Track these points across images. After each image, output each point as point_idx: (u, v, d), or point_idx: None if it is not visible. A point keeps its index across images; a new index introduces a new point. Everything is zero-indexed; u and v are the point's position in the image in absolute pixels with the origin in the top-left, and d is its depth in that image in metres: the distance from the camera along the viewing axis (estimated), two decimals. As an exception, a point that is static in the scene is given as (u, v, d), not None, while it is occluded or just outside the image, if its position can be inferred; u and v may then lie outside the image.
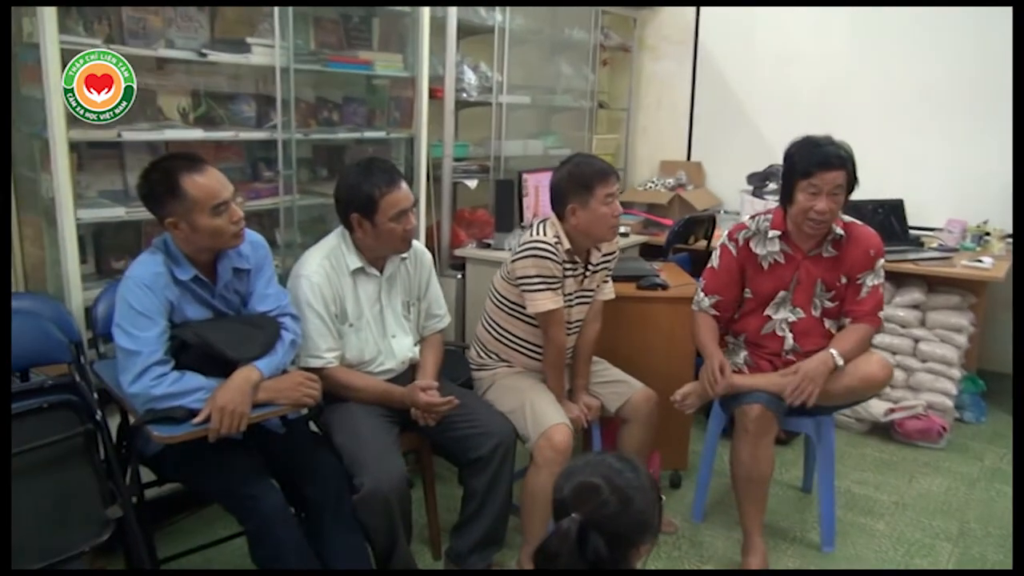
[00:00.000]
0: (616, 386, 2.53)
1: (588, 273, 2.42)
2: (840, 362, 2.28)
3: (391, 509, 1.97)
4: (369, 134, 3.21)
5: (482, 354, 2.49)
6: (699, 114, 4.79)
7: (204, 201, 1.79)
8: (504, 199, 3.53)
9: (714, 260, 2.51)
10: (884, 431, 3.39)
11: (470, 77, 3.67)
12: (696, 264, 3.61)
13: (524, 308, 2.35)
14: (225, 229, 1.83)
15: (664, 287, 2.83)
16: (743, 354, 2.50)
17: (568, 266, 2.33)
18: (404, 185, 2.13)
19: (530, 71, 4.20)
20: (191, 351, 1.78)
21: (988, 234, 3.74)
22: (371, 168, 2.12)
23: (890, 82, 4.08)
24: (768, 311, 2.44)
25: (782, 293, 2.42)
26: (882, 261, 2.41)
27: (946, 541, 2.57)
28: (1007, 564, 2.43)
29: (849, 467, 3.10)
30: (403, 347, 2.27)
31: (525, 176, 3.58)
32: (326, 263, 2.15)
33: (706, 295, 2.50)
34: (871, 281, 2.38)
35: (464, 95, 3.61)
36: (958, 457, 3.21)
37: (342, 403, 2.12)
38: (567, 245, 2.31)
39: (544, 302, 2.27)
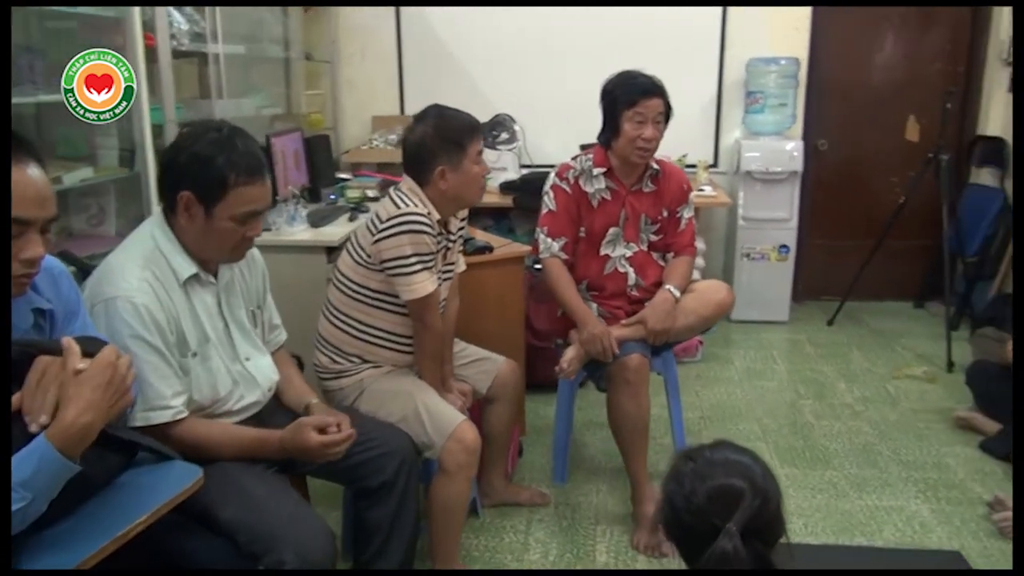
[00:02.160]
0: (481, 364, 2.29)
1: (450, 245, 2.12)
2: (678, 295, 2.37)
3: (325, 582, 1.51)
4: (76, 96, 2.37)
5: (339, 359, 2.03)
6: (408, 65, 4.54)
7: None
8: (254, 170, 2.92)
9: (549, 203, 2.43)
10: (653, 355, 3.68)
11: (178, 21, 2.93)
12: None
13: (393, 296, 1.96)
14: None
15: (489, 249, 2.63)
16: (594, 307, 2.45)
17: (437, 239, 2.00)
18: (268, 182, 1.59)
19: (231, 16, 3.52)
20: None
21: (693, 166, 4.22)
22: (232, 143, 1.53)
23: (592, 25, 4.31)
24: (605, 250, 2.44)
25: (613, 229, 2.42)
26: (693, 194, 2.57)
27: (758, 441, 2.89)
28: (809, 449, 2.81)
29: (646, 395, 3.30)
30: (263, 370, 1.73)
31: (272, 140, 3.02)
32: (148, 275, 1.51)
33: (553, 239, 2.40)
34: (687, 214, 2.52)
35: (175, 43, 2.87)
36: (716, 365, 3.63)
37: (209, 464, 1.55)
38: (437, 215, 1.98)
39: (424, 284, 1.92)
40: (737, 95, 4.30)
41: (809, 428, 2.97)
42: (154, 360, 1.48)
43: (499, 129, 4.26)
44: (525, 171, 4.24)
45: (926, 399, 3.20)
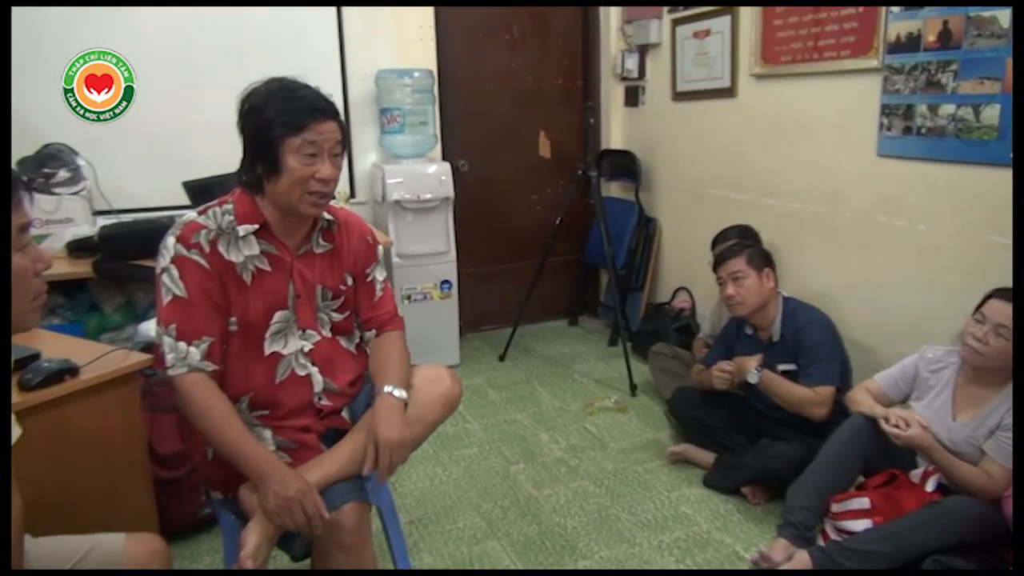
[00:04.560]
0: (95, 553, 1.30)
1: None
2: (404, 395, 1.67)
3: None
4: None
5: None
6: None
7: None
8: None
9: (173, 287, 1.54)
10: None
11: None
12: None
13: None
14: None
15: (72, 371, 1.59)
16: (267, 436, 1.61)
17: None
18: None
19: None
20: None
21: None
22: None
23: (178, 32, 3.31)
24: (272, 346, 1.64)
25: (281, 314, 1.65)
26: (382, 248, 1.89)
27: (489, 539, 2.30)
28: (547, 535, 2.33)
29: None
30: None
31: None
32: None
33: (188, 343, 1.52)
34: (380, 275, 1.84)
35: None
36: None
37: None
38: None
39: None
40: (368, 112, 3.71)
41: (535, 504, 2.50)
42: None
43: (53, 165, 3.01)
44: (104, 221, 3.06)
45: (628, 434, 2.99)
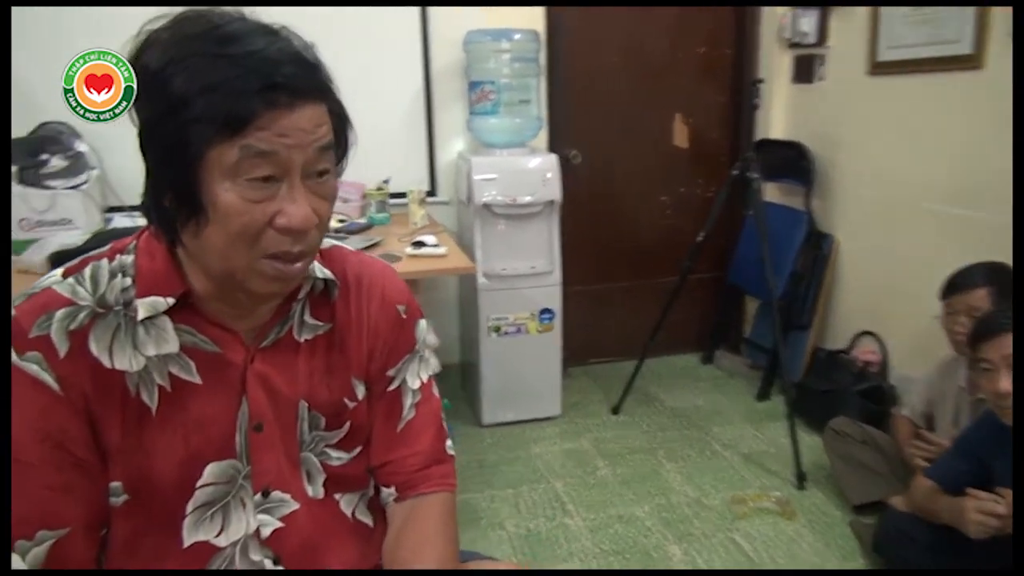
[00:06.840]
0: None
1: None
2: None
3: None
4: None
5: None
6: None
7: None
8: None
9: None
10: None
11: None
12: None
13: None
14: None
15: None
16: None
17: None
18: None
19: None
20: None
21: (401, 195, 2.73)
22: None
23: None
24: (197, 531, 0.84)
25: (220, 467, 0.84)
26: (424, 323, 1.03)
27: None
28: None
29: None
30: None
31: None
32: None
33: (12, 545, 0.74)
34: (414, 377, 1.00)
35: None
36: (474, 531, 2.18)
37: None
38: None
39: None
40: (454, 88, 2.90)
41: None
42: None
43: (50, 149, 2.36)
44: (114, 222, 2.41)
45: (800, 559, 2.05)
